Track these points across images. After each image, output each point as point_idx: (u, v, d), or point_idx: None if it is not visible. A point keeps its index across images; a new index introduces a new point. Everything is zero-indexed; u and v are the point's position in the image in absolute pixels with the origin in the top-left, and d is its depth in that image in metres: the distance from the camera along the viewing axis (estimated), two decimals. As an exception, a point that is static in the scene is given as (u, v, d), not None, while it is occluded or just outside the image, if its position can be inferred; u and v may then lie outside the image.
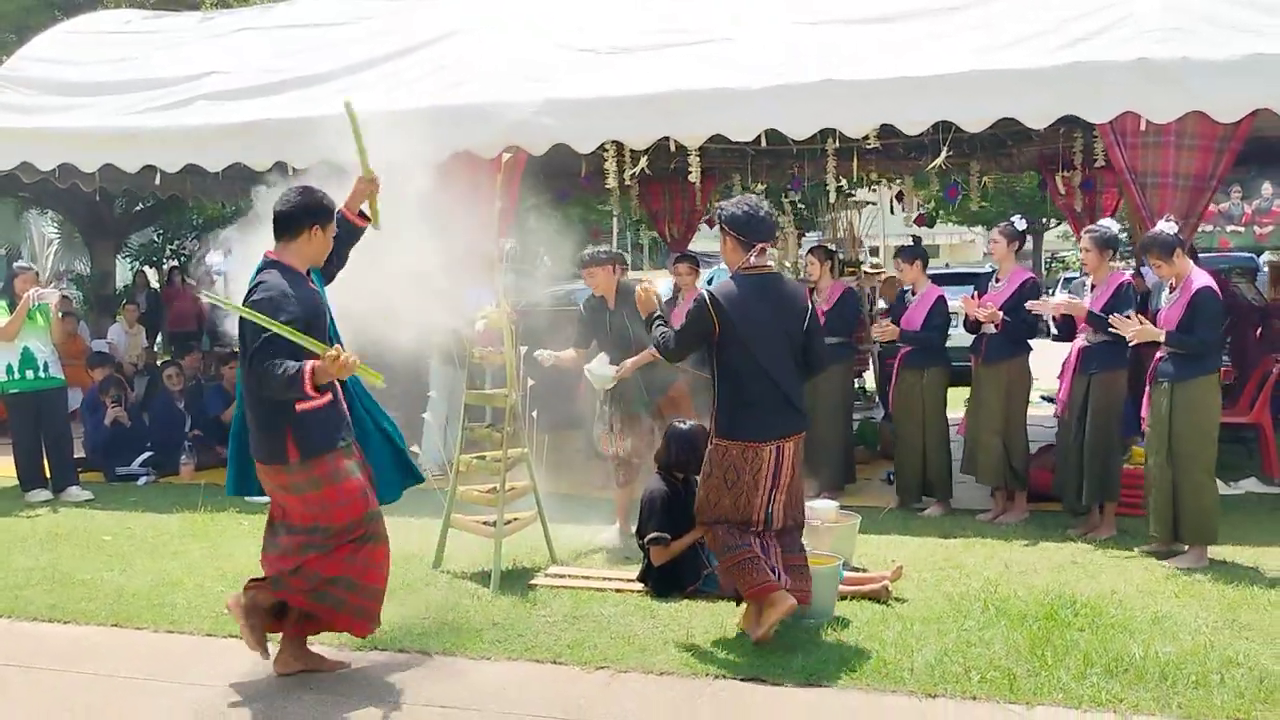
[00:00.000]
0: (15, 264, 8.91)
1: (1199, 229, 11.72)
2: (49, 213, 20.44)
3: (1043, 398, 9.12)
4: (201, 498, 7.76)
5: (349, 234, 4.74)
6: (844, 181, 12.15)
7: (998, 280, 6.92)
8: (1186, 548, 5.88)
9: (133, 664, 4.67)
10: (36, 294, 8.02)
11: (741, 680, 4.33)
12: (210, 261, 20.59)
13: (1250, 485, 7.65)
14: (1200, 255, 14.55)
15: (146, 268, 18.81)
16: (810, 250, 7.95)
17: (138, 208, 15.59)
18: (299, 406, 4.16)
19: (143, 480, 8.89)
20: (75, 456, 8.78)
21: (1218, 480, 7.44)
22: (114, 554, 6.55)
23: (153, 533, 7.07)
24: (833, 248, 8.31)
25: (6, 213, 21.33)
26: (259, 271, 4.31)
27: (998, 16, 7.26)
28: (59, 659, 4.75)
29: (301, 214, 4.37)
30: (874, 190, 12.39)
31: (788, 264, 9.96)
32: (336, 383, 4.30)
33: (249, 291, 4.24)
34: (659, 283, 9.67)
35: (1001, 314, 6.62)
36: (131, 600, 5.52)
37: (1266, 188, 11.26)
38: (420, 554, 6.18)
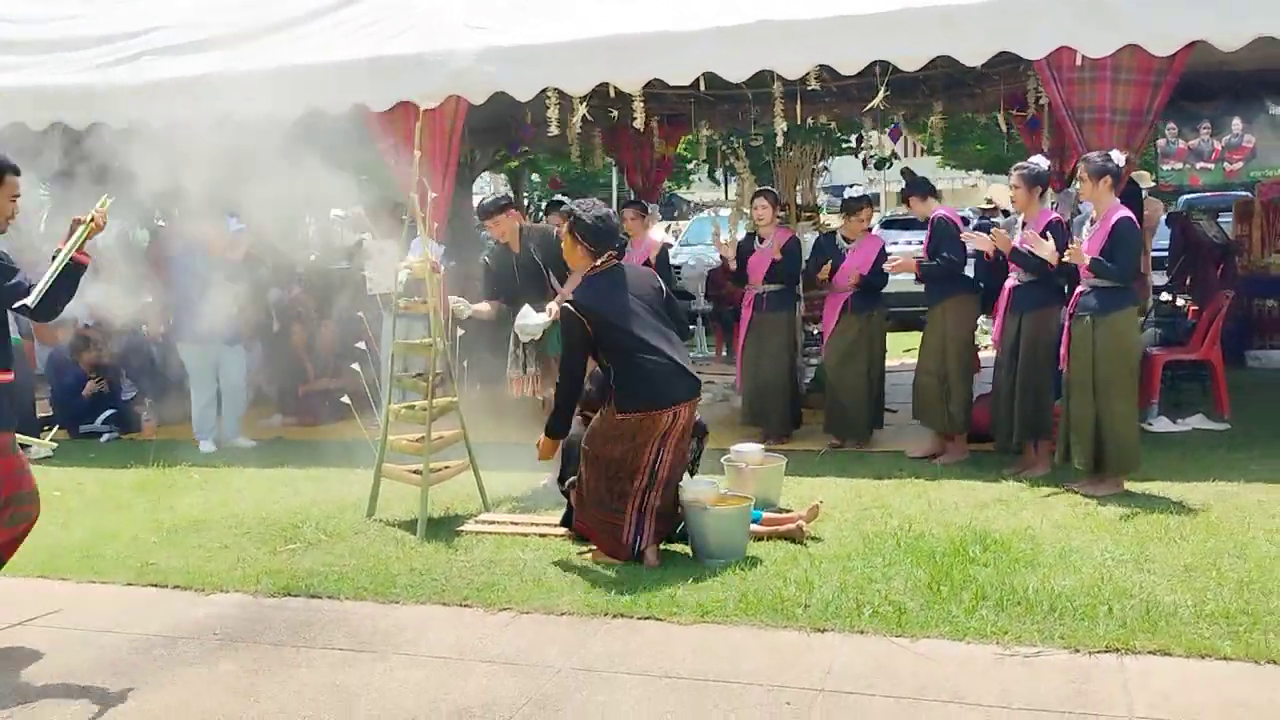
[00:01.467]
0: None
1: (1170, 167, 11.67)
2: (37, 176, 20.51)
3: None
4: (152, 453, 7.85)
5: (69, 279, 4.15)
6: (833, 125, 12.05)
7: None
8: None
9: (71, 615, 4.75)
10: None
11: (637, 619, 4.39)
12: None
13: (1196, 422, 7.65)
14: (1194, 194, 14.52)
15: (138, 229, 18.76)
16: (759, 193, 7.93)
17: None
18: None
19: (105, 437, 8.98)
20: (42, 415, 8.89)
21: (1164, 417, 7.52)
22: (59, 509, 6.60)
23: (103, 488, 7.15)
24: (776, 192, 8.26)
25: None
26: None
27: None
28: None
29: None
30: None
31: (745, 210, 9.90)
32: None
33: None
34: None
35: (914, 260, 6.71)
36: (64, 553, 5.60)
37: (1236, 123, 11.12)
38: (357, 503, 6.26)
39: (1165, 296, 10.60)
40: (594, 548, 5.19)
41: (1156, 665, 3.76)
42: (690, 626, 4.29)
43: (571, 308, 4.93)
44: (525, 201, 26.88)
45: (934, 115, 10.58)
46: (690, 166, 24.33)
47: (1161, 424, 7.58)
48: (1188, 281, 9.79)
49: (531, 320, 6.32)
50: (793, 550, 5.15)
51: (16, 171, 4.23)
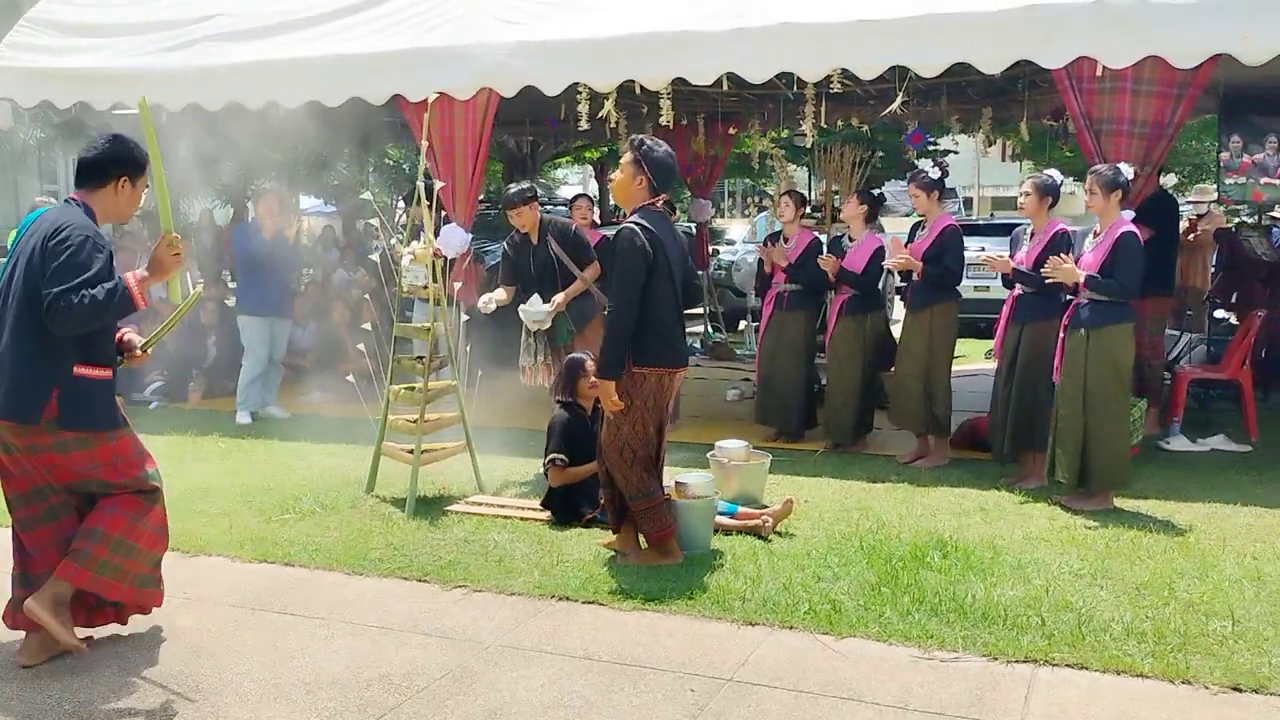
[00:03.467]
0: (36, 199, 9.43)
1: (1233, 181, 11.35)
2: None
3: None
4: (190, 422, 8.22)
5: (120, 310, 3.81)
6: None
7: (923, 229, 6.91)
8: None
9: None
10: None
11: (581, 603, 4.52)
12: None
13: (1218, 443, 7.48)
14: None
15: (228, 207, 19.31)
16: (785, 193, 7.97)
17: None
18: (78, 371, 3.84)
19: (153, 405, 9.42)
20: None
21: (1184, 436, 7.39)
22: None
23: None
24: (802, 192, 8.29)
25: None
26: (70, 214, 3.90)
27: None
28: None
29: (110, 163, 4.00)
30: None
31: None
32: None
33: (56, 230, 3.79)
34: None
35: (920, 262, 6.67)
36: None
37: (1305, 137, 10.75)
38: (361, 479, 6.50)
39: (1221, 314, 10.35)
40: (616, 540, 5.16)
41: (1068, 678, 3.77)
42: (629, 613, 4.41)
43: (640, 233, 4.76)
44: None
45: (983, 121, 10.48)
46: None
47: (1179, 443, 7.43)
48: (1234, 299, 9.53)
49: (533, 309, 6.52)
50: (756, 546, 5.23)
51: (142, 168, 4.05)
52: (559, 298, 6.63)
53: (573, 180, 33.88)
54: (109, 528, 3.94)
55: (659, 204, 5.03)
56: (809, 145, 10.22)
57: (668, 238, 4.93)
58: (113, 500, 3.99)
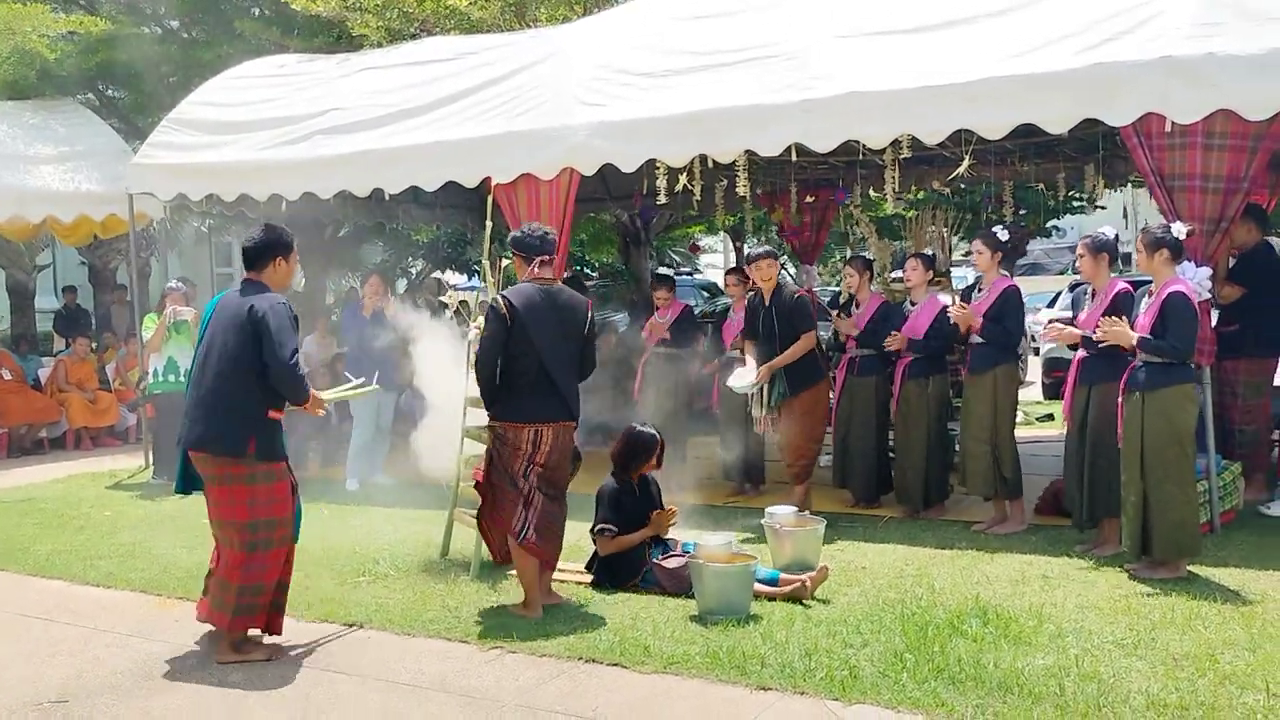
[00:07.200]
0: (167, 284, 10.21)
1: None
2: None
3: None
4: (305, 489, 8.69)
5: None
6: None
7: (980, 289, 6.83)
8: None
9: (129, 622, 5.52)
10: (172, 312, 9.28)
11: (605, 665, 4.64)
12: (445, 278, 22.41)
13: (1303, 506, 7.09)
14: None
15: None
16: (849, 261, 8.02)
17: (341, 232, 17.13)
18: (270, 414, 4.89)
19: (275, 473, 9.99)
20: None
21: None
22: (200, 536, 7.47)
23: (245, 518, 8.01)
24: (872, 258, 8.30)
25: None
26: (256, 293, 4.90)
27: (1028, 22, 7.09)
28: (78, 616, 5.66)
29: (266, 248, 5.04)
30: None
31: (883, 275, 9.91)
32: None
33: (262, 309, 4.79)
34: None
35: (980, 318, 6.62)
36: (173, 573, 6.41)
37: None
38: (438, 543, 6.78)
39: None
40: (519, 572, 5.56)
41: (1069, 750, 3.69)
42: (649, 675, 4.51)
43: (501, 300, 5.32)
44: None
45: (1087, 178, 10.29)
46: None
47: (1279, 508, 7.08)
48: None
49: (738, 382, 6.90)
50: (795, 612, 5.26)
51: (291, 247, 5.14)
52: (762, 370, 7.16)
53: (719, 249, 34.28)
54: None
55: (537, 270, 5.45)
56: (892, 211, 10.24)
57: (541, 305, 5.32)
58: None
